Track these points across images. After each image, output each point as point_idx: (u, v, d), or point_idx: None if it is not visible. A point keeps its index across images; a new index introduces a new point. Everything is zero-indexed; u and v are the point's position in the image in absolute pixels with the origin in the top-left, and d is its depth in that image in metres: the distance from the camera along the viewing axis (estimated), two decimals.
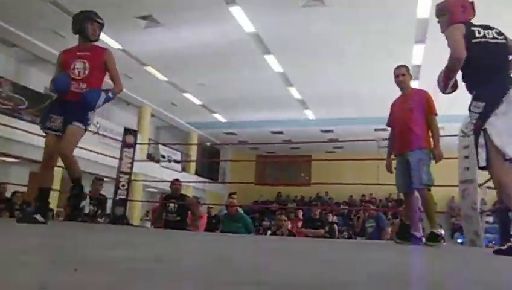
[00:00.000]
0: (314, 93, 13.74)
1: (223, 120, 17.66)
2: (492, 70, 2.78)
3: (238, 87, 13.65)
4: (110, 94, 3.67)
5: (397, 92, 4.46)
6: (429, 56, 9.66)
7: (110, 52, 3.85)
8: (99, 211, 6.33)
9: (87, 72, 3.59)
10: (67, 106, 3.56)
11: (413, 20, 8.89)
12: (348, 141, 16.48)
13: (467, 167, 4.65)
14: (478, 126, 2.68)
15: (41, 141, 10.20)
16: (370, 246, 4.07)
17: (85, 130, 3.61)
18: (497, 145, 2.57)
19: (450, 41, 2.81)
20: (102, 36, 10.81)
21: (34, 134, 8.78)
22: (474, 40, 2.81)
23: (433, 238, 3.67)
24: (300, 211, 10.36)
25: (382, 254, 2.67)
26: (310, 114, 16.06)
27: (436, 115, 4.04)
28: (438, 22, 3.12)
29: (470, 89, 2.86)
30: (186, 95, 14.82)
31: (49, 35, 10.69)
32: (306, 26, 9.51)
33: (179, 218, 6.54)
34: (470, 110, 2.80)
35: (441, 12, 3.08)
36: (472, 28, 2.87)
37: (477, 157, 2.70)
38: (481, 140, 2.65)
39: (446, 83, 2.92)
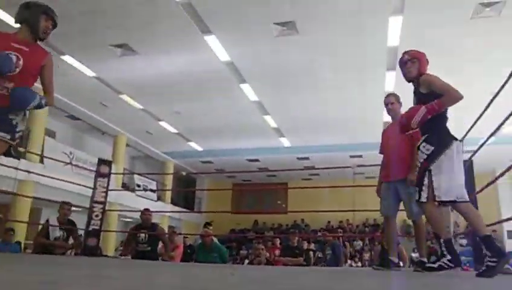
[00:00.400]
0: (290, 121, 13.87)
1: (199, 149, 17.58)
2: (445, 121, 3.15)
3: (214, 116, 13.67)
4: (43, 101, 2.98)
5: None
6: (400, 83, 9.89)
7: (51, 58, 3.20)
8: (70, 237, 6.12)
9: (17, 70, 2.87)
10: None
11: (384, 48, 9.15)
12: (324, 168, 16.58)
13: None
14: (424, 166, 3.03)
15: (8, 171, 9.88)
16: (348, 273, 4.04)
17: (12, 141, 2.93)
18: (434, 187, 2.95)
19: (444, 84, 3.06)
20: (75, 63, 10.79)
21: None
22: None
23: (422, 266, 3.64)
24: (277, 239, 10.30)
25: (362, 281, 2.64)
26: (285, 142, 16.16)
27: None
28: (405, 66, 3.36)
29: (424, 130, 3.16)
30: (162, 123, 14.74)
31: None
32: (281, 55, 9.67)
33: (149, 248, 6.49)
34: (419, 148, 3.12)
35: (413, 58, 3.33)
36: None
37: (420, 193, 3.04)
38: (426, 180, 3.01)
39: (424, 120, 3.06)
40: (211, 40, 9.13)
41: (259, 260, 7.40)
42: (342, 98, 11.75)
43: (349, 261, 9.46)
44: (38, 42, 3.18)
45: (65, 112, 13.87)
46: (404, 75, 3.40)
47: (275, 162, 17.63)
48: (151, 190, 16.38)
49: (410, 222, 4.12)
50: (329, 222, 19.58)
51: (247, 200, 22.25)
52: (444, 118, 3.12)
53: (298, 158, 17.29)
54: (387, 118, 4.61)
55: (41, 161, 11.29)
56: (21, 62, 2.89)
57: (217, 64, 10.12)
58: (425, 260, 3.86)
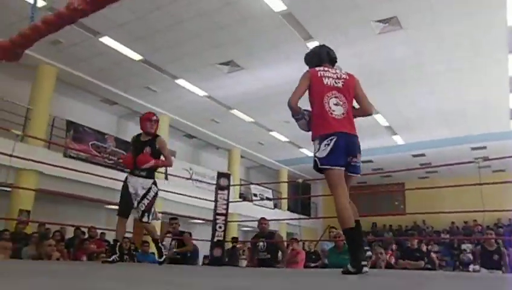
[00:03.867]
0: (401, 117, 13.32)
1: (311, 154, 17.60)
2: None
3: None
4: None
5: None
6: None
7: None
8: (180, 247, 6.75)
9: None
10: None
11: (504, 29, 8.38)
12: (443, 165, 15.57)
13: None
14: None
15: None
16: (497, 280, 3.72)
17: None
18: None
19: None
20: (188, 85, 11.60)
21: None
22: None
23: None
24: (392, 243, 9.96)
25: None
26: (399, 139, 15.54)
27: None
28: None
29: None
30: (273, 133, 15.08)
31: (143, 91, 11.62)
32: (385, 52, 9.39)
33: (269, 256, 6.56)
34: None
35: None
36: None
37: None
38: None
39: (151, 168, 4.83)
40: (314, 45, 9.15)
41: (379, 264, 7.17)
42: (458, 87, 10.98)
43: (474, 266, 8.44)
44: None
45: (182, 132, 14.92)
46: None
47: (390, 161, 16.98)
48: (268, 199, 16.77)
49: None
50: (453, 223, 18.24)
51: (364, 202, 21.64)
52: None
53: (413, 155, 16.47)
54: None
55: (166, 178, 12.22)
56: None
57: None
58: None
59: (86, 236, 8.42)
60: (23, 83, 10.31)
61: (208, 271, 3.43)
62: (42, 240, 7.01)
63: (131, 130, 14.01)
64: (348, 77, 3.23)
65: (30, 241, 7.06)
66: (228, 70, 10.32)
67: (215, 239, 6.31)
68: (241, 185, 16.30)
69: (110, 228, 10.52)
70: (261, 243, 6.62)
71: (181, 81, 11.06)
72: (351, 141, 3.01)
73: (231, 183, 6.99)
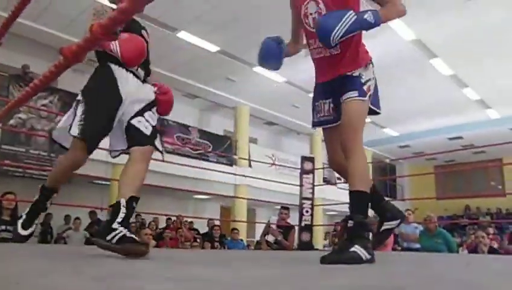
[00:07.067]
0: (495, 90, 12.33)
1: (395, 134, 17.04)
2: None
3: (406, 98, 13.06)
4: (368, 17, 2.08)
5: None
6: None
7: None
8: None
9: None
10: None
11: None
12: None
13: None
14: None
15: (227, 178, 11.21)
16: None
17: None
18: None
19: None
20: (266, 72, 11.54)
21: (220, 171, 9.78)
22: None
23: None
24: (489, 227, 9.38)
25: None
26: (493, 113, 14.45)
27: None
28: None
29: None
30: None
31: (222, 82, 11.86)
32: (474, 20, 8.73)
33: None
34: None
35: None
36: None
37: None
38: None
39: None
40: (393, 20, 8.77)
41: (481, 248, 6.72)
42: None
43: None
44: None
45: (263, 120, 15.06)
46: None
47: (482, 137, 15.78)
48: None
49: None
50: None
51: (454, 183, 20.26)
52: None
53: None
54: None
55: (250, 166, 12.47)
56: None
57: (402, 45, 9.67)
58: None
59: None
60: None
61: (304, 255, 3.42)
62: (140, 229, 7.45)
63: (214, 122, 14.46)
64: None
65: None
66: (305, 53, 10.11)
67: (303, 223, 6.30)
68: (324, 168, 16.15)
69: (198, 216, 11.01)
70: None
71: (259, 69, 11.12)
72: None
73: (315, 167, 6.92)
